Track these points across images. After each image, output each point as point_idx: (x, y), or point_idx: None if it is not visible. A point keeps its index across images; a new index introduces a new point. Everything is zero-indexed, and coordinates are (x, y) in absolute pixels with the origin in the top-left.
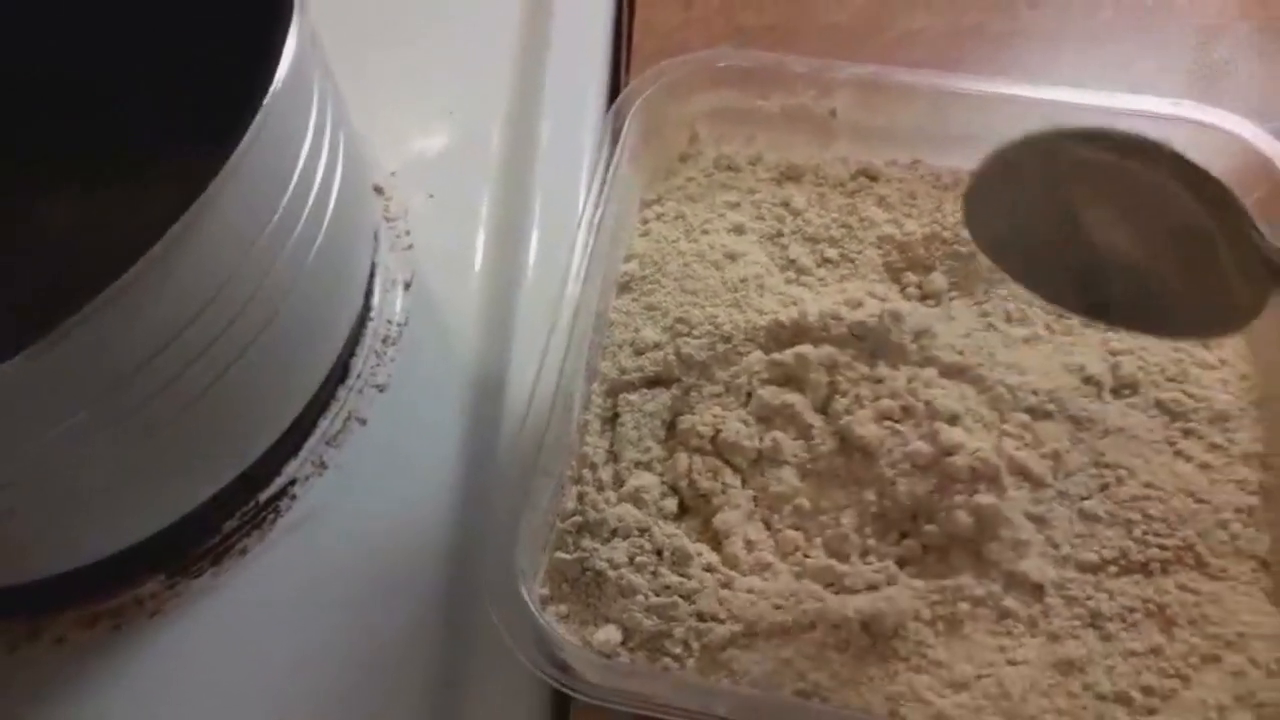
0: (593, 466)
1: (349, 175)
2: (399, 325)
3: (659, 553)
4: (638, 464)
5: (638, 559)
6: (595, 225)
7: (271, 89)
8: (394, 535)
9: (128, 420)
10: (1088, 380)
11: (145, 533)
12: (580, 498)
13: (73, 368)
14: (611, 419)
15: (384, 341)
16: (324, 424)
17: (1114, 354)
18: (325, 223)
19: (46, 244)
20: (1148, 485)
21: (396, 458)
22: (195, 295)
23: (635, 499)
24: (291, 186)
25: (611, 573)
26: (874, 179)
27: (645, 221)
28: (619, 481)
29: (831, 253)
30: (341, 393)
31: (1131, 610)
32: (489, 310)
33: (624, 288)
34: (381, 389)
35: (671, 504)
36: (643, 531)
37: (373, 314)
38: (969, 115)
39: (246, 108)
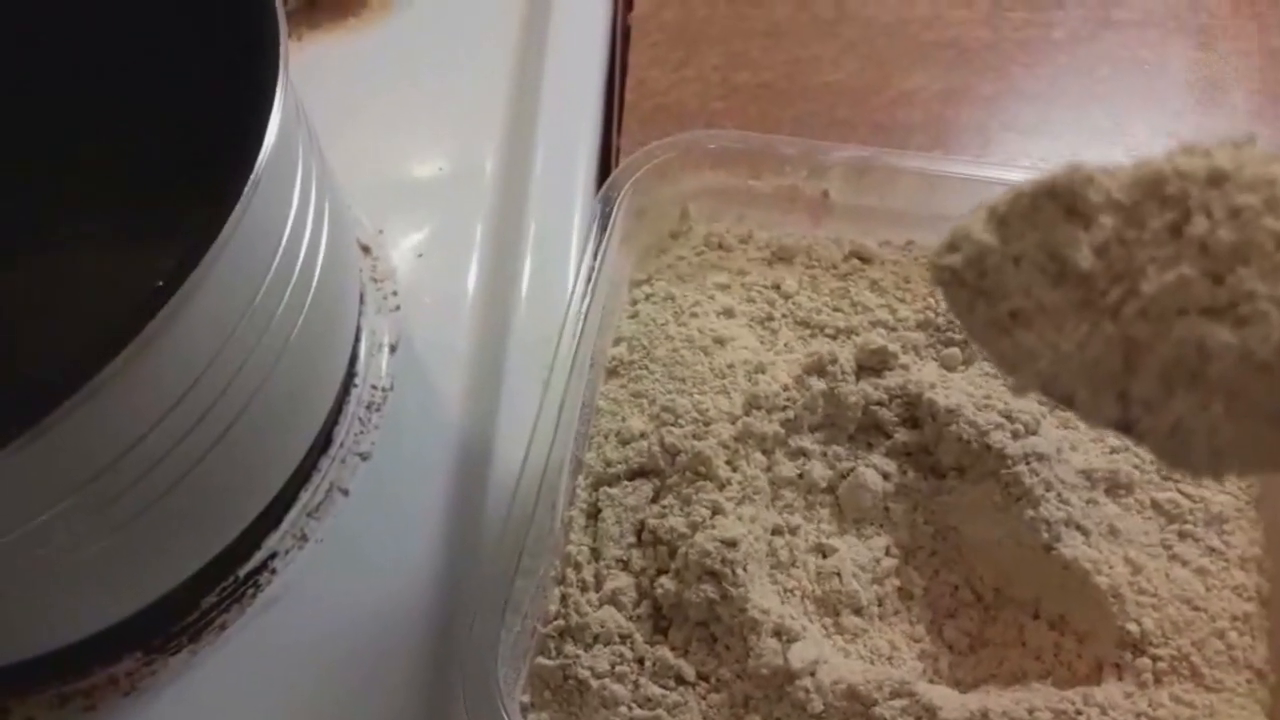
0: (576, 566)
1: (334, 244)
2: (384, 390)
3: (640, 661)
4: (617, 563)
5: (618, 668)
6: (583, 314)
7: (250, 177)
8: (375, 610)
9: (105, 510)
10: (1086, 477)
11: (122, 615)
12: (563, 600)
13: (47, 464)
14: (595, 514)
15: (368, 408)
16: (305, 495)
17: (1113, 450)
18: (309, 297)
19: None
20: (1141, 592)
21: (379, 529)
22: (175, 384)
23: (615, 602)
24: (274, 267)
25: (594, 682)
26: (867, 261)
27: (634, 302)
28: (600, 582)
29: (823, 339)
30: (324, 463)
31: None
32: (477, 374)
33: (612, 373)
34: (365, 457)
35: (647, 608)
36: (624, 638)
37: (357, 380)
38: (962, 196)
39: (226, 188)
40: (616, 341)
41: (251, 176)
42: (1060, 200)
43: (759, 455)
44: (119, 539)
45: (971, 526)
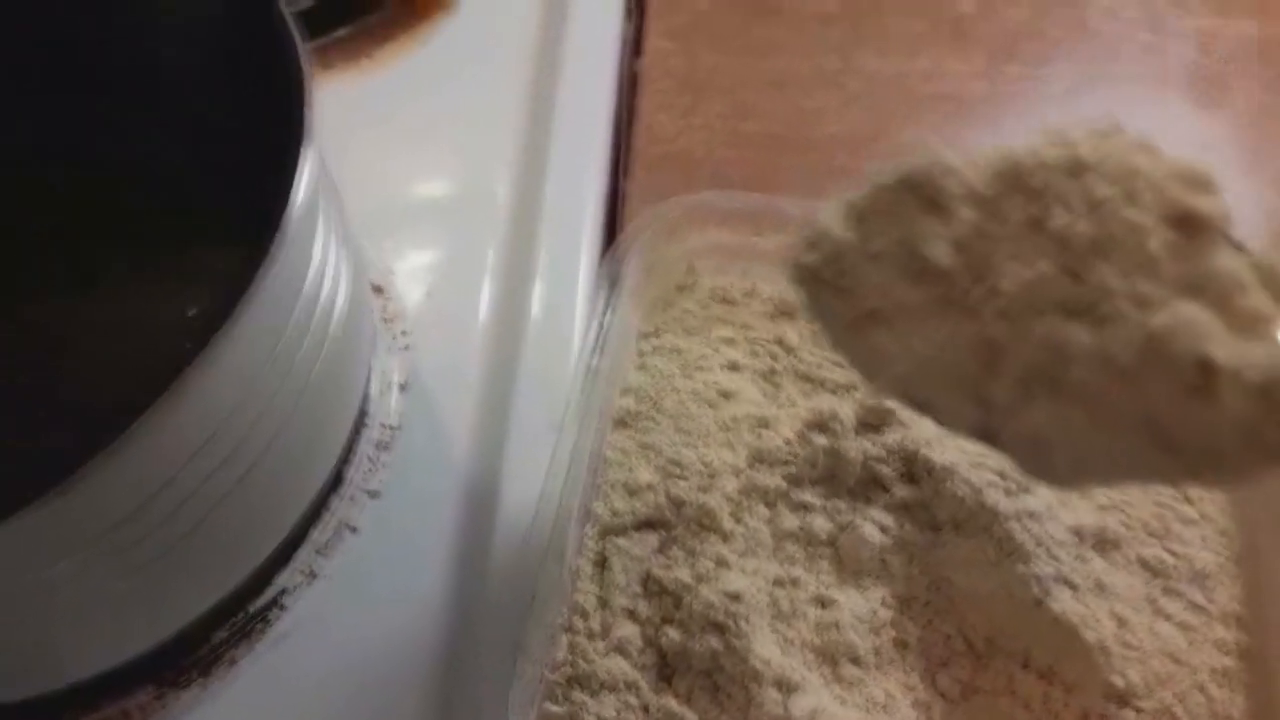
0: (584, 614)
1: (351, 289)
2: (394, 429)
3: (646, 709)
4: (624, 611)
5: (624, 715)
6: (594, 369)
7: (278, 234)
8: (383, 646)
9: (122, 556)
10: (1075, 534)
11: (135, 652)
12: (571, 647)
13: (68, 516)
14: (603, 563)
15: (378, 446)
16: (315, 533)
17: (1101, 508)
18: (326, 341)
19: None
20: (1127, 646)
21: (388, 566)
22: (196, 437)
23: (622, 650)
24: (292, 320)
25: None
26: None
27: (642, 354)
28: (608, 631)
29: (824, 393)
30: (334, 501)
31: None
32: (485, 413)
33: (620, 423)
34: (374, 495)
35: (652, 656)
36: (630, 686)
37: (368, 419)
38: None
39: (255, 244)
40: (624, 392)
41: (279, 234)
42: (919, 192)
43: (762, 508)
44: (135, 582)
45: (965, 579)
